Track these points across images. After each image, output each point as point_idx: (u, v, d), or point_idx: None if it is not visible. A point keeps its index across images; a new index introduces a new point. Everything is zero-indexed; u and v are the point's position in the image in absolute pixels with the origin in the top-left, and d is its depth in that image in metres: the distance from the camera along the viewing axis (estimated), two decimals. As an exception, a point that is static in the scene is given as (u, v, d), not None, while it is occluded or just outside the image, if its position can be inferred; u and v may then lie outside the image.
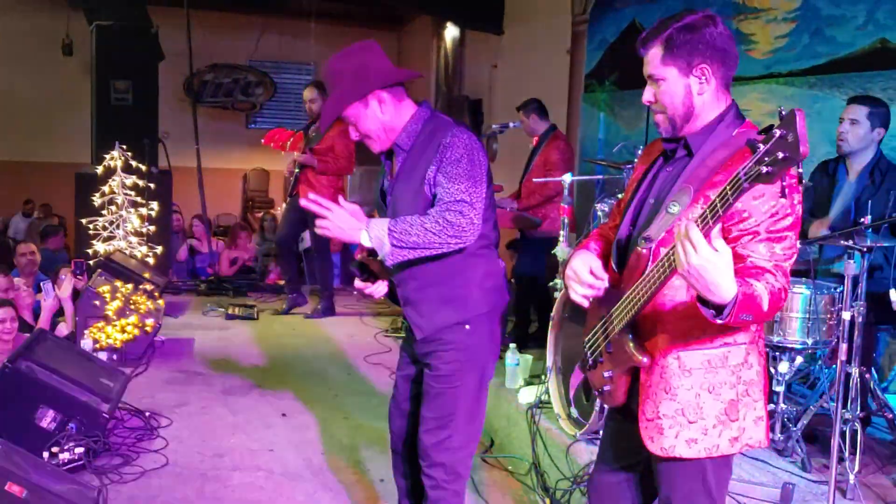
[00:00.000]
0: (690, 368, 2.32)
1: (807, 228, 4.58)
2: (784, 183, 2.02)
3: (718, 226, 2.05)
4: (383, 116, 3.04)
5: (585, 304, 2.50)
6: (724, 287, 1.98)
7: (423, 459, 3.19)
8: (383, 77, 3.04)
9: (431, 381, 3.14)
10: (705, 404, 2.32)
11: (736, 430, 2.34)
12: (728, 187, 1.94)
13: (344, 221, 2.90)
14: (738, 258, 2.13)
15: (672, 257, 2.09)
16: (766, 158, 1.85)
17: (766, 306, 2.08)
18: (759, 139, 1.87)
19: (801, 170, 1.90)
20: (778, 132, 1.84)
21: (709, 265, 1.94)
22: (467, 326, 3.05)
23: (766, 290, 2.09)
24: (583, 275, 2.46)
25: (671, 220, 2.20)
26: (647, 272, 2.24)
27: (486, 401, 3.23)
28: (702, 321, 2.25)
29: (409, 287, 3.12)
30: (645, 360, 2.36)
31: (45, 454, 4.15)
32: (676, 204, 2.20)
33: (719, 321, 2.05)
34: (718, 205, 1.97)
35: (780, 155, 1.83)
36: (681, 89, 2.33)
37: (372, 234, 2.89)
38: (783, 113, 1.85)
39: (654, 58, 2.35)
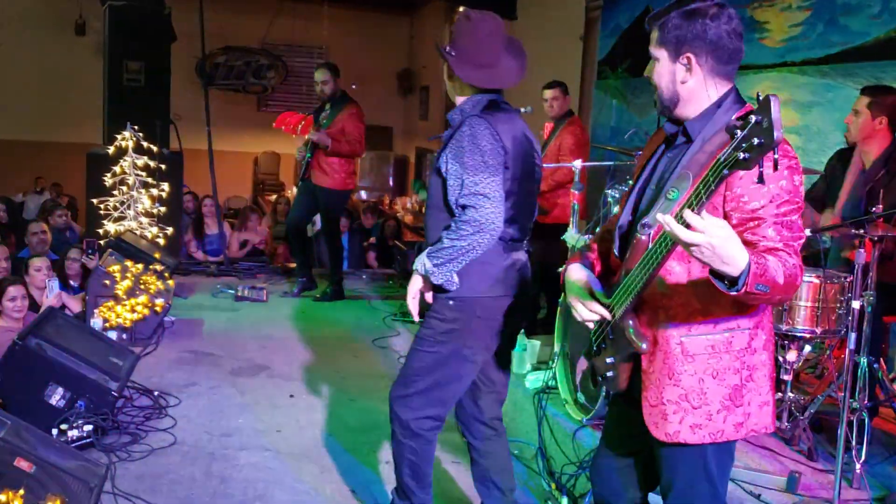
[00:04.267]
0: (693, 354, 2.32)
1: (815, 220, 4.58)
2: (785, 166, 2.10)
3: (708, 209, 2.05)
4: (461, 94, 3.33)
5: (590, 325, 2.54)
6: (737, 256, 1.96)
7: (390, 408, 3.40)
8: (477, 79, 3.27)
9: (414, 339, 3.35)
10: (709, 389, 2.32)
11: (741, 415, 2.34)
12: (710, 174, 1.94)
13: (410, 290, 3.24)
14: (748, 245, 2.12)
15: (664, 243, 2.10)
16: (744, 145, 1.86)
17: (781, 279, 2.05)
18: (738, 125, 1.88)
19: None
20: (754, 118, 1.85)
21: (714, 239, 1.92)
22: (451, 302, 3.20)
23: (780, 264, 2.07)
24: (586, 301, 2.49)
25: (670, 206, 2.20)
26: (641, 258, 2.25)
27: (462, 380, 3.34)
28: (704, 306, 2.28)
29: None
30: (644, 346, 2.36)
31: (54, 431, 4.18)
32: (676, 190, 2.20)
33: (734, 293, 2.02)
34: (703, 192, 1.96)
35: (756, 141, 1.84)
36: (667, 74, 2.37)
37: (418, 263, 3.19)
38: (760, 98, 1.86)
39: (653, 37, 2.39)
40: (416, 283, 3.24)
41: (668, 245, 2.11)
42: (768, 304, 2.33)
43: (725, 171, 1.91)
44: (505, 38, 3.32)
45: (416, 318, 3.31)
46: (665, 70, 2.37)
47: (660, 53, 2.37)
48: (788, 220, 2.17)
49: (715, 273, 2.04)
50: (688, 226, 1.93)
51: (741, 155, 1.86)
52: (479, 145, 3.06)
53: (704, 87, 2.33)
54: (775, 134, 1.82)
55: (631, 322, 2.38)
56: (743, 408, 2.34)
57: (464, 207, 3.06)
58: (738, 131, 1.87)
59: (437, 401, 3.32)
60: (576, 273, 2.58)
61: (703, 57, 2.30)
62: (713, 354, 2.32)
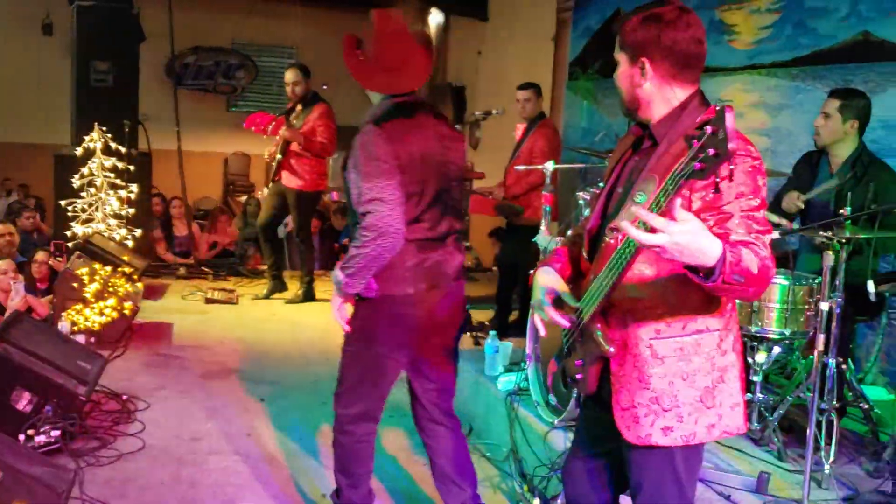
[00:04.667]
0: (663, 357, 2.32)
1: (781, 197, 4.62)
2: (749, 165, 2.15)
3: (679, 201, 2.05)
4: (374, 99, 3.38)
5: (542, 332, 2.58)
6: (709, 246, 1.96)
7: None
8: (382, 84, 3.29)
9: None
10: (679, 392, 2.32)
11: (713, 416, 2.34)
12: (668, 182, 1.97)
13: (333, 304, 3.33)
14: (718, 237, 2.13)
15: (630, 245, 2.12)
16: (700, 155, 1.88)
17: (755, 269, 2.06)
18: (694, 136, 1.90)
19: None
20: (709, 129, 1.87)
21: (679, 237, 1.92)
22: (360, 303, 3.31)
23: (754, 255, 2.07)
24: (548, 309, 2.52)
25: (637, 209, 2.21)
26: (609, 261, 2.25)
27: (381, 376, 3.40)
28: (672, 309, 2.29)
29: None
30: (611, 349, 2.37)
31: (21, 436, 4.13)
32: (643, 193, 2.21)
33: (710, 283, 2.03)
34: (662, 199, 1.99)
35: (711, 152, 1.87)
36: (626, 77, 2.40)
37: (333, 278, 3.27)
38: (717, 108, 1.88)
39: (617, 41, 2.42)
40: (335, 298, 3.32)
41: (634, 247, 2.12)
42: (743, 298, 2.34)
43: (682, 181, 1.93)
44: (412, 33, 3.30)
45: (346, 329, 3.35)
46: (624, 74, 2.40)
47: (620, 57, 2.41)
48: (754, 214, 2.18)
49: (689, 268, 2.04)
50: (651, 228, 1.94)
51: (697, 165, 1.89)
52: (370, 152, 3.10)
53: (662, 91, 2.35)
54: (730, 145, 1.85)
55: (598, 325, 2.39)
56: (715, 409, 2.34)
57: (364, 214, 3.10)
58: (694, 141, 1.89)
59: (362, 396, 3.41)
60: (543, 277, 2.59)
61: (657, 62, 2.32)
62: (682, 357, 2.32)
